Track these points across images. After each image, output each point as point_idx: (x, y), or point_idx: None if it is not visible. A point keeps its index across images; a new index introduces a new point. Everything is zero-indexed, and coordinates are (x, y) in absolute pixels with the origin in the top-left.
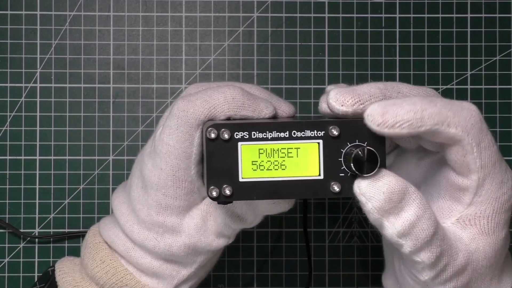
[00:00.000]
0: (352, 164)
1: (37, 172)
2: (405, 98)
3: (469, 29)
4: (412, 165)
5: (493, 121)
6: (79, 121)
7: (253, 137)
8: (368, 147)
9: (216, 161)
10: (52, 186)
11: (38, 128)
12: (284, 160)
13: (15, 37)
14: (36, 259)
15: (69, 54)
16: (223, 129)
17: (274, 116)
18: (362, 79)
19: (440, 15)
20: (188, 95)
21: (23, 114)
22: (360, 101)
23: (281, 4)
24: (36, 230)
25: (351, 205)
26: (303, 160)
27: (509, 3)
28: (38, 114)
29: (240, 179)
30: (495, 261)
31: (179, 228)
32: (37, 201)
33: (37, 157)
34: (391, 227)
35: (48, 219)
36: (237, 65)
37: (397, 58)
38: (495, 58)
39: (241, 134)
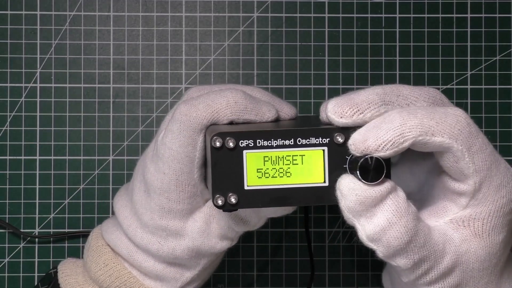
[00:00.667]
0: (358, 171)
1: (37, 172)
2: (384, 116)
3: (469, 29)
4: (417, 164)
5: (493, 121)
6: (79, 121)
7: (258, 145)
8: (376, 156)
9: (221, 169)
10: (52, 186)
11: (38, 128)
12: (289, 168)
13: (15, 37)
14: (36, 259)
15: (69, 54)
16: (228, 138)
17: (277, 119)
18: (362, 79)
19: (440, 15)
20: (190, 99)
21: (23, 114)
22: (359, 110)
23: (281, 4)
24: (36, 230)
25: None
26: (308, 167)
27: (509, 3)
28: (38, 114)
29: (246, 187)
30: (490, 265)
31: (182, 232)
32: (37, 201)
33: (37, 157)
34: (362, 230)
35: (48, 219)
36: (237, 65)
37: (397, 58)
38: (495, 58)
39: (246, 142)
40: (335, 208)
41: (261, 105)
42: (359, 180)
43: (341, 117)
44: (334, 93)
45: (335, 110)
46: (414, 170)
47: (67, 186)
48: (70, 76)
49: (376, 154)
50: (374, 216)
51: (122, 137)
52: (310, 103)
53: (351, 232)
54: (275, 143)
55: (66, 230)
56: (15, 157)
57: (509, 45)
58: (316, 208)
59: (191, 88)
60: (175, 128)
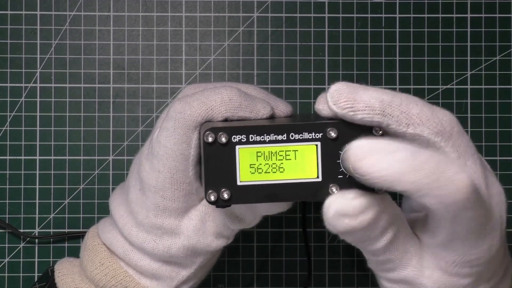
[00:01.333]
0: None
1: (37, 172)
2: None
3: (469, 29)
4: None
5: (493, 121)
6: (79, 121)
7: (250, 140)
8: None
9: (213, 165)
10: (52, 186)
11: (38, 128)
12: (282, 163)
13: (15, 37)
14: (36, 259)
15: (69, 54)
16: (220, 133)
17: (272, 116)
18: (362, 79)
19: (440, 15)
20: (184, 97)
21: (23, 114)
22: (353, 108)
23: (281, 4)
24: (36, 230)
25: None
26: (301, 163)
27: (509, 3)
28: (38, 114)
29: (238, 183)
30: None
31: (177, 230)
32: (37, 201)
33: (37, 157)
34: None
35: (48, 219)
36: (237, 65)
37: (397, 58)
38: (495, 58)
39: (239, 137)
40: None
41: (256, 102)
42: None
43: (334, 104)
44: None
45: (333, 95)
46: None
47: (67, 186)
48: (70, 76)
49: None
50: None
51: (122, 137)
52: (310, 103)
53: None
54: (268, 138)
55: (66, 230)
56: (15, 157)
57: (509, 45)
58: (316, 208)
59: (186, 86)
60: (169, 125)
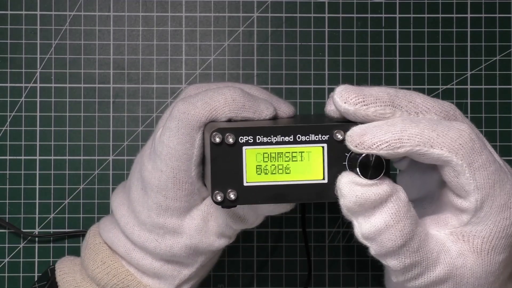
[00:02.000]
0: (358, 168)
1: (37, 172)
2: (387, 120)
3: (469, 29)
4: (427, 174)
5: (493, 121)
6: (79, 121)
7: (257, 141)
8: (377, 154)
9: (220, 165)
10: (52, 186)
11: (38, 128)
12: (288, 164)
13: (15, 37)
14: (36, 259)
15: (69, 54)
16: (227, 134)
17: (275, 117)
18: (362, 79)
19: (440, 15)
20: (188, 97)
21: (23, 114)
22: (363, 101)
23: (281, 4)
24: (36, 230)
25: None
26: (308, 164)
27: (509, 3)
28: (38, 114)
29: (245, 183)
30: (486, 282)
31: (179, 229)
32: (37, 201)
33: (37, 157)
34: (358, 227)
35: (48, 219)
36: (237, 65)
37: (397, 58)
38: (495, 58)
39: (246, 138)
40: (335, 208)
41: (259, 102)
42: (359, 176)
43: (344, 102)
44: None
45: (342, 94)
46: (425, 179)
47: (67, 186)
48: (70, 76)
49: (369, 151)
50: (372, 216)
51: (122, 137)
52: (310, 103)
53: (351, 232)
54: (275, 139)
55: (66, 230)
56: (15, 157)
57: (509, 45)
58: (316, 208)
59: (188, 86)
60: (173, 125)
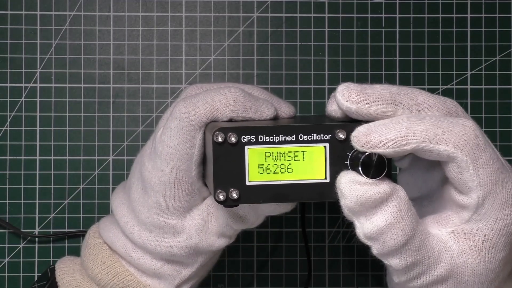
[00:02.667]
0: (360, 167)
1: (37, 172)
2: (392, 118)
3: (469, 29)
4: (429, 172)
5: (493, 121)
6: (79, 121)
7: (260, 140)
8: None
9: (223, 165)
10: (52, 186)
11: (38, 128)
12: (290, 164)
13: (15, 37)
14: (36, 259)
15: (69, 54)
16: (230, 133)
17: (275, 117)
18: (362, 79)
19: (440, 15)
20: (189, 97)
21: (23, 114)
22: (366, 100)
23: (281, 4)
24: (36, 230)
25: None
26: (310, 164)
27: (509, 3)
28: (38, 114)
29: (247, 183)
30: (486, 280)
31: (180, 229)
32: (37, 201)
33: (37, 157)
34: (360, 227)
35: (48, 219)
36: (237, 65)
37: (397, 58)
38: (495, 58)
39: (248, 137)
40: (335, 208)
41: (260, 103)
42: (361, 175)
43: (346, 101)
44: None
45: (344, 93)
46: (426, 177)
47: (67, 186)
48: (70, 76)
49: (375, 150)
50: (374, 215)
51: (122, 137)
52: (310, 103)
53: (351, 232)
54: (277, 139)
55: (66, 230)
56: (15, 157)
57: (509, 45)
58: (316, 208)
59: (189, 86)
60: (174, 125)
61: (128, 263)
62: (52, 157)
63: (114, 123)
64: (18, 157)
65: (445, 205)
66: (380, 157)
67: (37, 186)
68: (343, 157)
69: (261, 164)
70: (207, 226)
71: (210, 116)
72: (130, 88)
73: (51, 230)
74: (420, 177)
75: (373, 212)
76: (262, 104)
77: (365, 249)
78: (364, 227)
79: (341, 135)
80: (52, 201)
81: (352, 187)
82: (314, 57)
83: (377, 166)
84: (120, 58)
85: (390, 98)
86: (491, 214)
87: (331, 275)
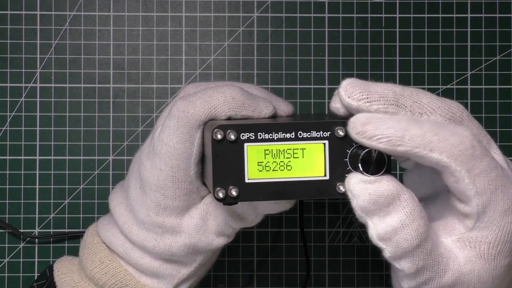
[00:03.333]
0: (360, 164)
1: (37, 172)
2: (393, 116)
3: (469, 29)
4: (434, 171)
5: (493, 121)
6: (79, 121)
7: (259, 138)
8: (379, 150)
9: (222, 162)
10: (52, 186)
11: (38, 128)
12: (289, 161)
13: (15, 37)
14: (36, 259)
15: (69, 54)
16: (229, 130)
17: (274, 116)
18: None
19: (440, 15)
20: (187, 96)
21: (23, 114)
22: (367, 98)
23: (281, 4)
24: (36, 230)
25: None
26: (309, 161)
27: (509, 3)
28: (38, 114)
29: (246, 180)
30: (492, 286)
31: (178, 228)
32: (37, 201)
33: (37, 157)
34: (373, 228)
35: (48, 219)
36: (237, 65)
37: (397, 58)
38: (495, 58)
39: (247, 135)
40: (335, 208)
41: (258, 101)
42: (361, 172)
43: (348, 97)
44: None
45: (347, 88)
46: (435, 177)
47: (67, 186)
48: (70, 76)
49: (368, 142)
50: (388, 215)
51: (122, 137)
52: (310, 103)
53: (351, 232)
54: (276, 136)
55: (66, 230)
56: (15, 157)
57: (509, 45)
58: (316, 208)
59: (187, 85)
60: (172, 124)
61: (126, 263)
62: (52, 157)
63: (114, 123)
64: (18, 157)
65: (450, 210)
66: (380, 154)
67: (37, 186)
68: (342, 154)
69: (261, 162)
70: (206, 225)
71: (208, 114)
72: (130, 88)
73: (51, 230)
74: (426, 179)
75: (387, 212)
76: (261, 103)
77: (365, 249)
78: (378, 227)
79: (341, 132)
80: (52, 201)
81: (363, 186)
82: (314, 57)
83: (376, 163)
84: (120, 58)
85: (393, 99)
86: (494, 221)
87: (331, 275)
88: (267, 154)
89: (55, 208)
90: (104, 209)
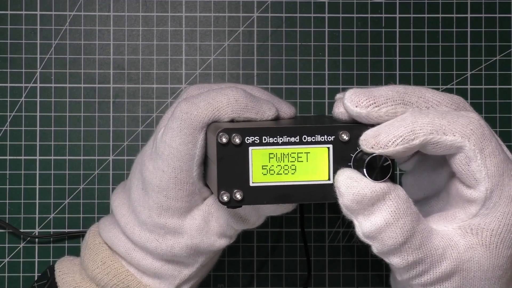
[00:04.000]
0: (365, 169)
1: (37, 172)
2: (397, 117)
3: (469, 29)
4: (435, 172)
5: (493, 121)
6: (79, 121)
7: (263, 141)
8: (386, 156)
9: (226, 166)
10: (52, 186)
11: (38, 128)
12: (294, 165)
13: (15, 37)
14: (36, 259)
15: (69, 54)
16: (234, 134)
17: (276, 118)
18: (362, 79)
19: (440, 15)
20: (190, 97)
21: (23, 114)
22: (375, 103)
23: (281, 4)
24: (36, 230)
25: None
26: (313, 165)
27: (509, 3)
28: (38, 114)
29: (251, 184)
30: (493, 276)
31: (180, 229)
32: (37, 201)
33: (37, 157)
34: (359, 226)
35: (48, 219)
36: (237, 65)
37: (397, 58)
38: (495, 58)
39: (252, 138)
40: (335, 208)
41: (261, 103)
42: (366, 177)
43: (356, 106)
44: (334, 93)
45: (352, 99)
46: (433, 177)
47: (67, 186)
48: (70, 76)
49: (385, 150)
50: (372, 214)
51: (122, 137)
52: (310, 103)
53: (351, 232)
54: (281, 140)
55: (66, 230)
56: (15, 157)
57: (509, 45)
58: (316, 208)
59: (190, 86)
60: (175, 125)
61: (128, 264)
62: (52, 157)
63: (114, 123)
64: (18, 157)
65: (452, 202)
66: (386, 160)
67: (37, 186)
68: (346, 158)
69: (265, 165)
70: (208, 226)
71: (212, 116)
72: (130, 88)
73: (51, 230)
74: (426, 178)
75: (371, 211)
76: (264, 105)
77: (365, 249)
78: (363, 226)
79: (345, 137)
80: (52, 201)
81: (349, 184)
82: (314, 57)
83: (381, 169)
84: (120, 58)
85: (399, 98)
86: (499, 207)
87: (331, 275)
88: (272, 157)
89: (55, 208)
90: (104, 209)
